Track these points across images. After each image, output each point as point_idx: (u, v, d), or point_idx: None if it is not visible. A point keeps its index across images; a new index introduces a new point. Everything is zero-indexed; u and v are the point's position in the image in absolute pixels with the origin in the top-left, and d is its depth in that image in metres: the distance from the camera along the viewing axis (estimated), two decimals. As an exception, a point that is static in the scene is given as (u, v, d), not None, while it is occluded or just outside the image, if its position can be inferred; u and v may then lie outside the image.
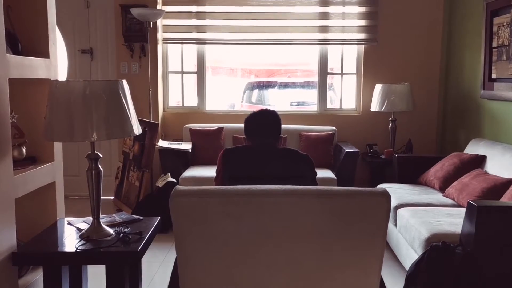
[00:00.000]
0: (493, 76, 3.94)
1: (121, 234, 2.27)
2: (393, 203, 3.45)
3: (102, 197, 2.40)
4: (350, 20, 5.04)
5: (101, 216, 2.44)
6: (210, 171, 4.41)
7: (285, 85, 6.62)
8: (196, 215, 1.37)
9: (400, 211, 3.29)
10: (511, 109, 3.71)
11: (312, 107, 5.60)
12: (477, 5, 4.23)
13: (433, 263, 2.53)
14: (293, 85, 6.60)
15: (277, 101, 6.69)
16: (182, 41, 5.16)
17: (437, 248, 2.64)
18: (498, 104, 3.89)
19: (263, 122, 2.35)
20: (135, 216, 2.63)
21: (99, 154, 2.29)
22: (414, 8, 5.00)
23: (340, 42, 5.13)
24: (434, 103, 5.11)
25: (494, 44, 3.91)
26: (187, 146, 4.65)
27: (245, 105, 6.67)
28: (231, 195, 1.38)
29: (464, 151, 4.00)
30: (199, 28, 5.09)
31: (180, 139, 4.96)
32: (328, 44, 5.14)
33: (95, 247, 2.16)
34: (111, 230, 2.33)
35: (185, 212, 1.38)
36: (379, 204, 1.38)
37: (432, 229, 2.79)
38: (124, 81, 2.25)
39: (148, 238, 2.32)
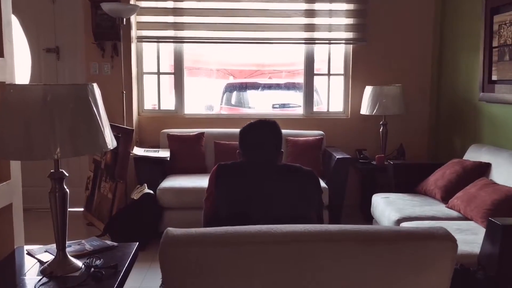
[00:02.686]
0: (494, 77, 3.70)
1: (92, 269, 1.89)
2: (395, 216, 3.16)
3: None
4: (337, 18, 4.74)
5: (68, 243, 2.06)
6: (190, 181, 4.05)
7: (267, 87, 6.29)
8: (196, 270, 1.01)
9: (403, 226, 2.99)
10: (514, 113, 3.47)
11: (296, 110, 5.29)
12: (474, 3, 3.99)
13: (452, 290, 2.24)
14: (275, 86, 6.29)
15: (258, 103, 6.36)
16: (158, 39, 4.76)
17: (455, 272, 2.36)
18: (500, 107, 3.65)
19: (262, 136, 2.00)
20: (108, 242, 2.25)
21: (65, 172, 1.91)
22: (405, 6, 4.75)
23: (327, 42, 4.82)
24: (426, 106, 4.86)
25: (495, 44, 3.67)
26: (165, 153, 4.26)
27: (225, 108, 6.33)
28: (242, 242, 1.02)
29: (464, 158, 3.75)
30: (177, 26, 4.70)
31: (157, 146, 4.56)
32: (315, 43, 4.83)
33: (59, 287, 1.77)
34: (79, 263, 1.95)
35: (180, 267, 1.02)
36: (442, 251, 1.05)
37: (445, 249, 2.49)
38: (95, 85, 1.87)
39: (124, 272, 1.94)
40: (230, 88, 6.41)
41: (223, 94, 6.36)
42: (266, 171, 1.91)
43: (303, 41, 4.81)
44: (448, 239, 1.07)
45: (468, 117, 4.17)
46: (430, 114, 4.85)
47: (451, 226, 2.86)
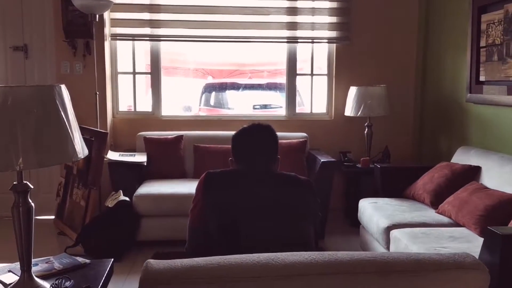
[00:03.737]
0: (481, 78, 3.61)
1: (61, 292, 1.69)
2: (384, 223, 3.03)
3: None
4: (320, 16, 4.60)
5: (34, 261, 1.86)
6: (169, 187, 3.85)
7: (247, 87, 6.12)
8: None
9: (394, 234, 2.86)
10: (504, 114, 3.38)
11: (278, 111, 5.14)
12: (461, 1, 3.90)
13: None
14: (256, 86, 6.11)
15: (239, 104, 6.17)
16: (133, 37, 4.53)
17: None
18: (488, 109, 3.56)
19: (258, 142, 1.83)
20: (79, 259, 2.05)
21: (29, 184, 1.70)
22: (389, 3, 4.63)
23: (310, 41, 4.68)
24: (411, 107, 4.76)
25: (483, 44, 3.58)
26: (141, 158, 4.04)
27: (204, 109, 6.12)
28: (238, 278, 0.85)
29: (452, 161, 3.65)
30: (153, 23, 4.49)
31: (133, 150, 4.34)
32: (297, 42, 4.68)
33: (23, 316, 1.57)
34: (47, 285, 1.75)
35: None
36: (473, 284, 0.89)
37: (441, 259, 2.36)
38: (63, 87, 1.68)
39: (98, 295, 1.75)
40: (209, 88, 6.21)
41: (202, 94, 6.15)
42: (261, 180, 1.73)
43: (285, 40, 4.65)
44: (479, 268, 0.92)
45: (454, 118, 4.07)
46: (414, 115, 4.75)
47: (443, 234, 2.75)
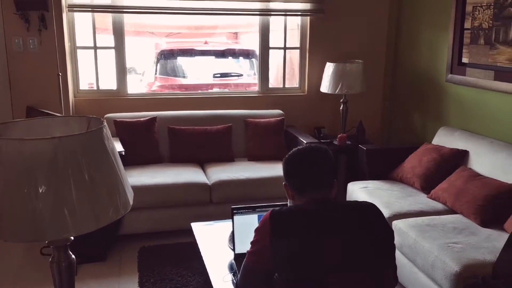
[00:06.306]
0: (464, 60, 3.65)
1: None
2: (385, 213, 3.04)
3: None
4: (293, -13, 4.39)
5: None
6: (149, 176, 3.63)
7: (207, 53, 5.81)
8: None
9: (398, 225, 2.90)
10: (489, 99, 3.44)
11: (238, 79, 4.97)
12: (442, -21, 3.87)
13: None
14: (215, 53, 5.82)
15: (196, 72, 5.87)
16: (93, 8, 4.07)
17: (476, 286, 2.31)
18: (471, 91, 3.62)
19: (317, 168, 1.64)
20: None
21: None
22: (363, -24, 4.51)
23: (283, 13, 4.47)
24: (381, 84, 4.76)
25: (467, 25, 3.59)
26: (116, 146, 3.73)
27: (160, 78, 5.77)
28: None
29: (433, 142, 3.73)
30: (115, -8, 4.05)
31: (100, 134, 3.99)
32: (270, 15, 4.46)
33: None
34: None
35: None
36: None
37: (459, 258, 2.42)
38: (105, 125, 1.45)
39: None
40: (164, 55, 5.84)
41: (157, 62, 5.78)
42: (332, 219, 1.56)
43: (258, 13, 4.41)
44: None
45: (431, 97, 4.12)
46: (384, 92, 4.76)
47: (446, 225, 2.81)
